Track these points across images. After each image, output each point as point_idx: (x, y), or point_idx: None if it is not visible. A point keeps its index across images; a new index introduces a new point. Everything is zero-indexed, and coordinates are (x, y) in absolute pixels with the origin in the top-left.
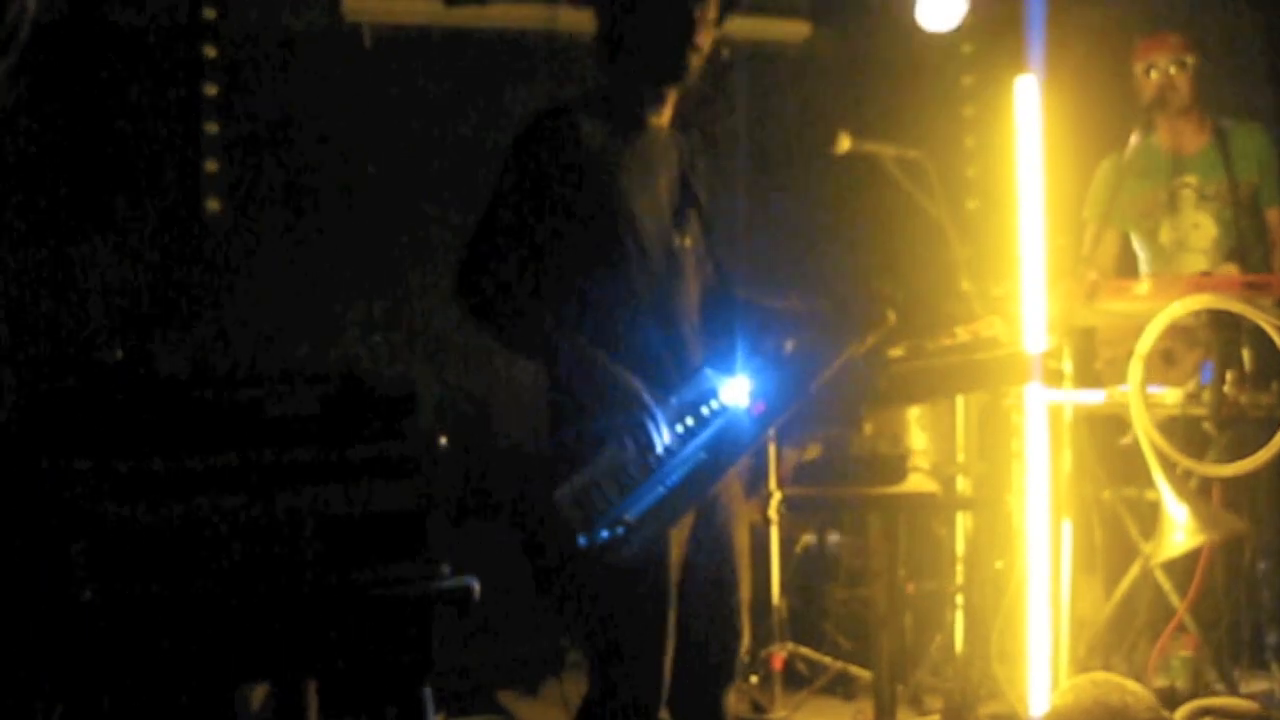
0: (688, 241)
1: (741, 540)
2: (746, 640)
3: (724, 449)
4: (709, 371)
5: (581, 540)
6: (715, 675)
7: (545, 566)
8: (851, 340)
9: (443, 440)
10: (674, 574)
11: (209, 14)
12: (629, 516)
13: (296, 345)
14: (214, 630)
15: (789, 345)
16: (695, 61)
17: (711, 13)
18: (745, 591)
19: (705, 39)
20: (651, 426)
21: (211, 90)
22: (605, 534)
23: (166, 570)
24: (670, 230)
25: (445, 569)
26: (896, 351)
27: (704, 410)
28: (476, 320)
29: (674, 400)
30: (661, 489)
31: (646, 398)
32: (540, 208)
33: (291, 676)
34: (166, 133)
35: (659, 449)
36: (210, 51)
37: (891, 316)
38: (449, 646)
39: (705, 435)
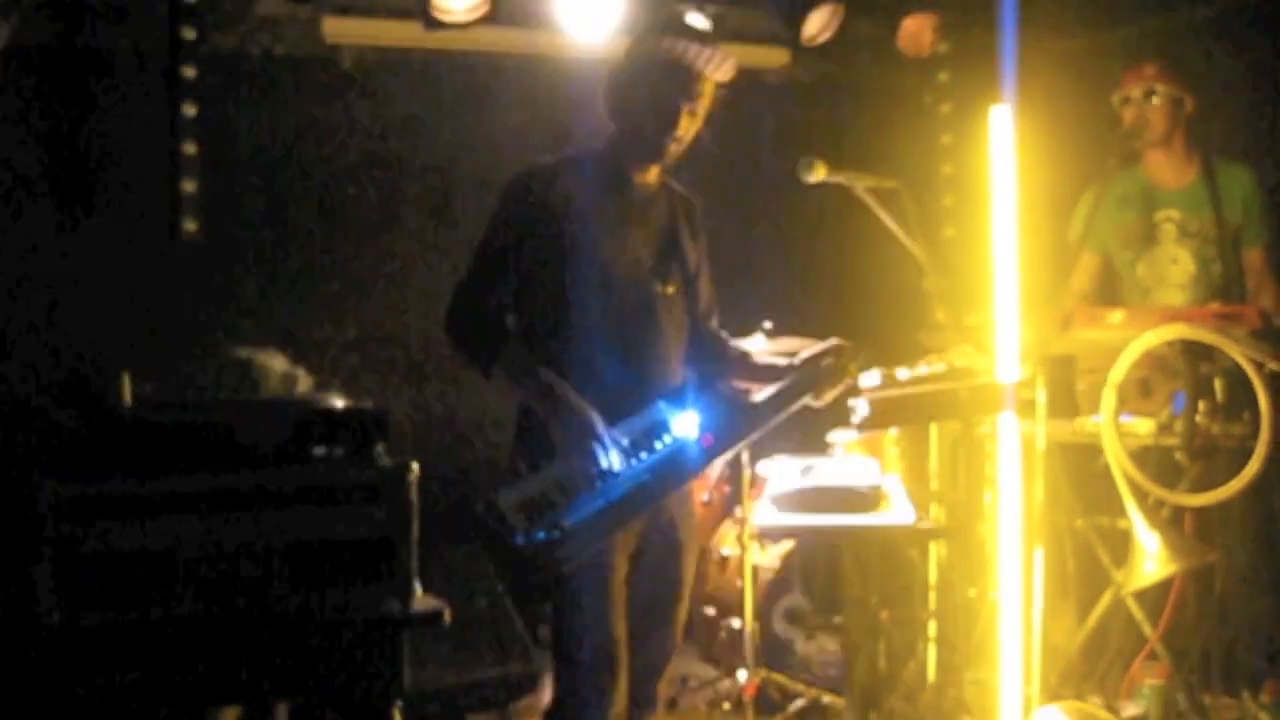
0: (669, 289)
1: (688, 571)
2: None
3: (668, 474)
4: (663, 404)
5: (518, 538)
6: (635, 704)
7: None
8: (809, 393)
9: (413, 465)
10: (620, 589)
11: (188, 34)
12: (566, 523)
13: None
14: (183, 654)
15: (744, 388)
16: (674, 149)
17: (700, 108)
18: (679, 627)
19: (688, 130)
20: (599, 448)
21: (190, 110)
22: (542, 535)
23: (134, 594)
24: (649, 277)
25: (416, 592)
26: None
27: (655, 437)
28: (459, 353)
29: (626, 426)
30: (601, 502)
31: (597, 423)
32: (514, 255)
33: (262, 700)
34: (145, 153)
35: (603, 468)
36: (189, 72)
37: (853, 373)
38: (420, 669)
39: (652, 460)
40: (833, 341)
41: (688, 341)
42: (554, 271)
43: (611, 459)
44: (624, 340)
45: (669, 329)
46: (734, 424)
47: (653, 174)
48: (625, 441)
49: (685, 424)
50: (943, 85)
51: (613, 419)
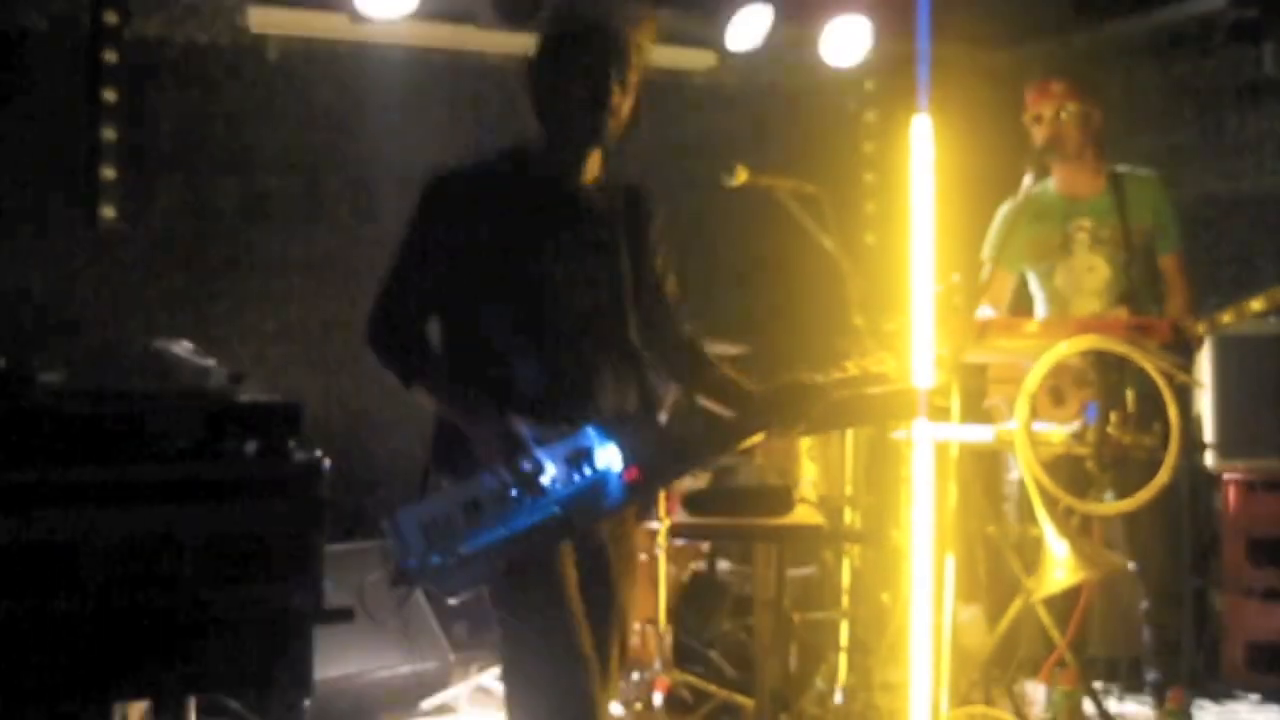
0: (606, 298)
1: (627, 601)
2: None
3: (581, 509)
4: (591, 430)
5: (411, 562)
6: None
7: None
8: (736, 442)
9: (325, 460)
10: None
11: (111, 19)
12: (463, 549)
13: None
14: (91, 647)
15: (675, 424)
16: (612, 125)
17: (629, 78)
18: (616, 659)
19: (621, 103)
20: (525, 467)
21: (111, 96)
22: (436, 560)
23: (41, 586)
24: (582, 286)
25: (326, 587)
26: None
27: (574, 467)
28: (379, 358)
29: (547, 450)
30: (503, 531)
31: (526, 441)
32: (434, 260)
33: (170, 694)
34: (64, 138)
35: (514, 494)
36: (111, 57)
37: (764, 433)
38: (330, 664)
39: (564, 492)
40: (799, 383)
41: (656, 354)
42: (473, 279)
43: (536, 481)
44: (552, 355)
45: (608, 342)
46: (666, 458)
47: (590, 167)
48: (548, 467)
49: (609, 455)
50: (867, 93)
51: (534, 439)
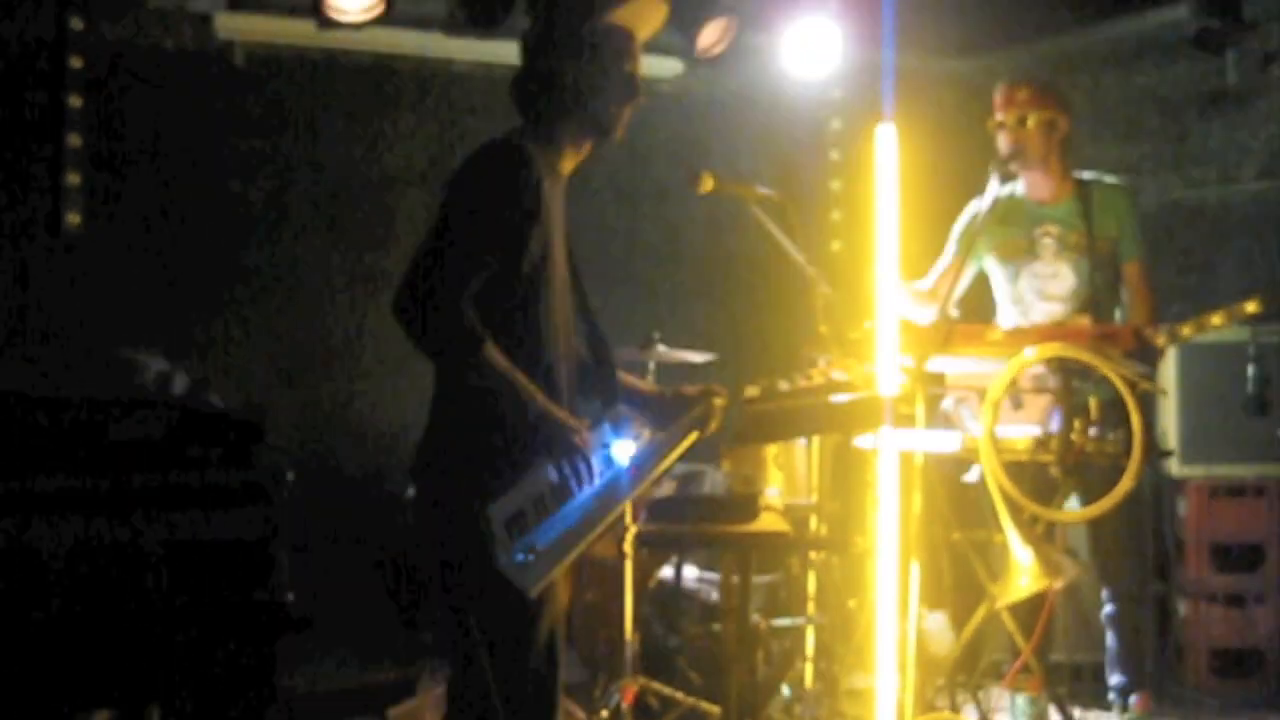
0: (573, 287)
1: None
2: None
3: (608, 500)
4: (608, 427)
5: (501, 559)
6: None
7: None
8: (691, 431)
9: (289, 467)
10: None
11: (76, 24)
12: (539, 545)
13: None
14: (52, 656)
15: (645, 430)
16: (626, 120)
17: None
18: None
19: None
20: (583, 467)
21: (76, 102)
22: (520, 558)
23: (1, 594)
24: (568, 275)
25: (289, 596)
26: (752, 391)
27: (602, 462)
28: (418, 343)
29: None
30: (563, 526)
31: (586, 437)
32: (496, 236)
33: (133, 703)
34: (28, 143)
35: (578, 486)
36: (76, 62)
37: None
38: (294, 672)
39: (598, 485)
40: (711, 386)
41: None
42: (518, 261)
43: (592, 473)
44: (560, 346)
45: (574, 333)
46: (649, 455)
47: (575, 163)
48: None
49: (622, 451)
50: (834, 102)
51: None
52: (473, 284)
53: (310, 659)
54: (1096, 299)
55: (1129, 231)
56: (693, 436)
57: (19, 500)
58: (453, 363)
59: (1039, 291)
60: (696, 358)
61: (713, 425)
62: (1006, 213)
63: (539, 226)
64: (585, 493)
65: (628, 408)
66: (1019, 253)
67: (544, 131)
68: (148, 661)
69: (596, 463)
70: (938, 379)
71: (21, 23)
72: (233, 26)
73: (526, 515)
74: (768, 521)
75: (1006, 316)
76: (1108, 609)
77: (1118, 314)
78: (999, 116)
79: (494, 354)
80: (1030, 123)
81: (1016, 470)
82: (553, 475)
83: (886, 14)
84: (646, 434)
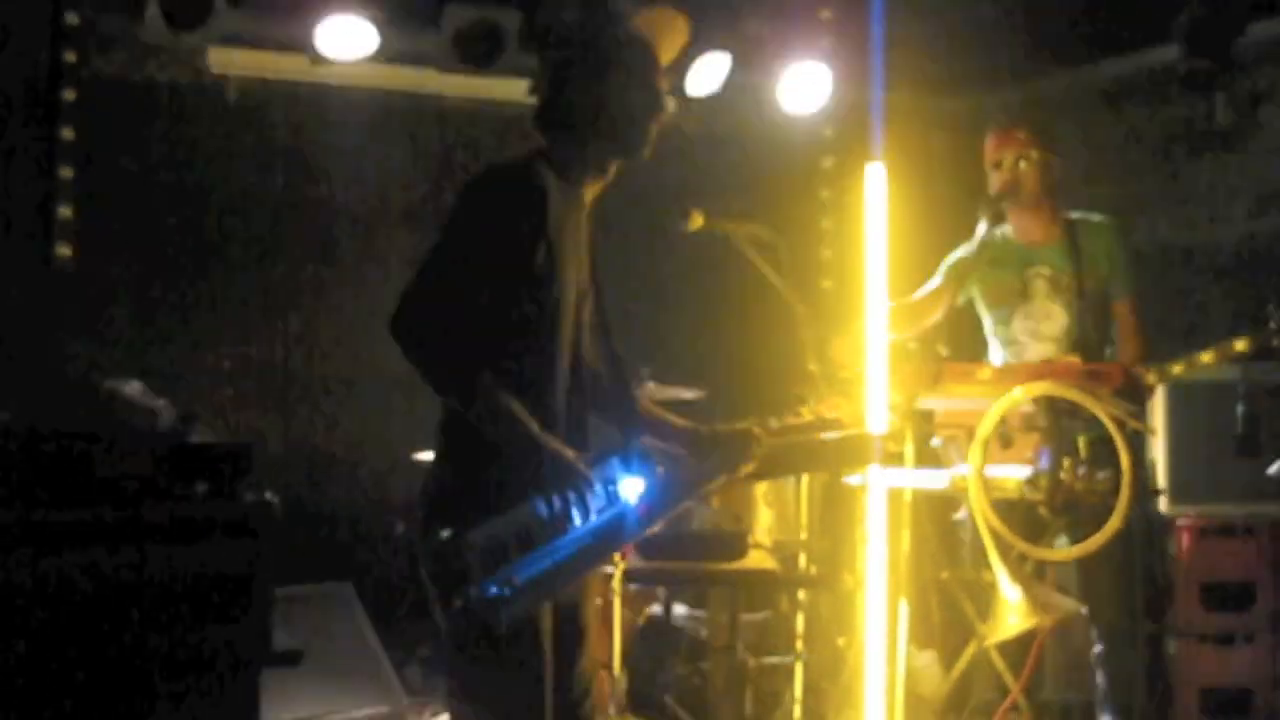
0: (587, 315)
1: (592, 648)
2: None
3: (608, 539)
4: (616, 461)
5: (470, 590)
6: None
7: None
8: (723, 472)
9: (274, 502)
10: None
11: (70, 57)
12: (517, 579)
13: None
14: (33, 691)
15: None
16: (653, 138)
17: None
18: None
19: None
20: (576, 501)
21: (69, 135)
22: (494, 590)
23: None
24: (583, 306)
25: (275, 631)
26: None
27: (603, 497)
28: (414, 362)
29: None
30: (549, 562)
31: (584, 469)
32: (497, 260)
33: None
34: (20, 176)
35: (574, 521)
36: (69, 95)
37: (757, 457)
38: (280, 709)
39: (597, 522)
40: (752, 428)
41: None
42: (522, 288)
43: (588, 509)
44: (563, 373)
45: (588, 359)
46: (664, 496)
47: (598, 187)
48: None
49: (629, 488)
50: (825, 140)
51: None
52: (469, 303)
53: (298, 694)
54: (1086, 339)
55: (1120, 268)
56: (721, 479)
57: (2, 534)
58: (445, 389)
59: (1033, 333)
60: (687, 394)
61: (747, 468)
62: (996, 255)
63: (544, 247)
64: (580, 529)
65: (654, 441)
66: (1011, 295)
67: (563, 153)
68: (131, 696)
69: (596, 498)
70: (927, 417)
71: (15, 55)
72: (225, 61)
73: (508, 547)
74: (757, 559)
75: (999, 359)
76: (1097, 648)
77: (1108, 352)
78: (995, 155)
79: (486, 380)
80: (1026, 163)
81: (1006, 509)
82: (542, 509)
83: (876, 54)
84: (662, 471)
